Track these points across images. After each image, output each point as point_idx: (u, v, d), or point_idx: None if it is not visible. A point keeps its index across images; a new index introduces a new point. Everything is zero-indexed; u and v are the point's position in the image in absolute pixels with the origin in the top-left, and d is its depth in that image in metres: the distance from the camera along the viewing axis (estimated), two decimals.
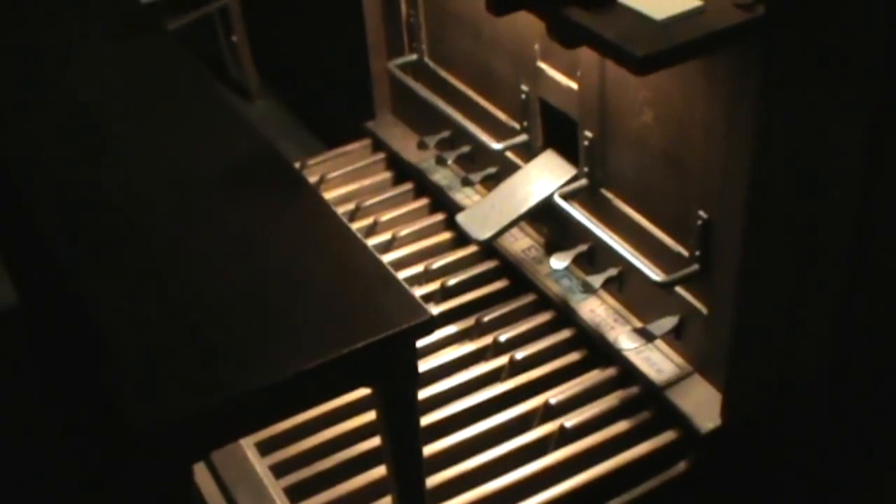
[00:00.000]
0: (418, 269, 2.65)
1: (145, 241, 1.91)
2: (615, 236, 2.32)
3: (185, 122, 2.24)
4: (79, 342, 1.83)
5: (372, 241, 2.73)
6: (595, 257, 2.42)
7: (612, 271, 2.36)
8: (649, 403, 2.27)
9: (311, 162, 3.00)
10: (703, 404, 2.20)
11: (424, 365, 2.37)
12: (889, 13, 1.81)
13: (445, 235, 2.76)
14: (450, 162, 2.78)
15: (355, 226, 2.79)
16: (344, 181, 2.96)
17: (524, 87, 2.48)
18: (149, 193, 2.02)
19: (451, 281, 2.59)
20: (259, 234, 1.90)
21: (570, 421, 2.23)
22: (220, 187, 2.03)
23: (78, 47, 2.53)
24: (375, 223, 2.80)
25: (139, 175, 2.07)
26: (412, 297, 1.74)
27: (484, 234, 2.43)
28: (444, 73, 2.82)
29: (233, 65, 4.11)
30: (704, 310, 2.17)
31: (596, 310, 2.42)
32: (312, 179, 2.93)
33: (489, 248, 2.63)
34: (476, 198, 2.74)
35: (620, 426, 2.24)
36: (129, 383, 1.64)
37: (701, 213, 2.07)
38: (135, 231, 1.93)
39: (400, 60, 2.92)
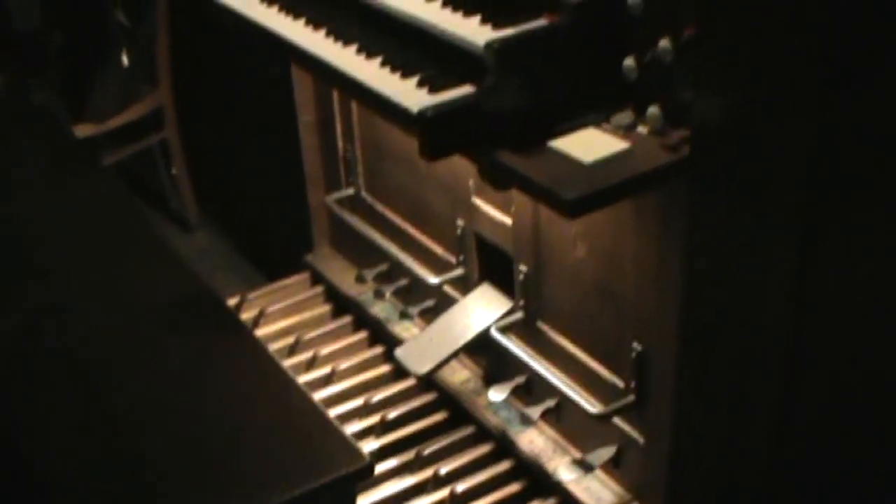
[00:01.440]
0: (358, 402, 2.65)
1: (80, 388, 1.90)
2: (552, 368, 2.34)
3: (119, 263, 2.25)
4: (18, 490, 1.81)
5: (311, 376, 2.74)
6: (532, 389, 2.43)
7: (550, 402, 2.38)
8: None
9: (250, 296, 3.01)
10: None
11: (366, 499, 2.36)
12: (809, 148, 1.87)
13: (384, 368, 2.77)
14: (388, 295, 2.80)
15: (294, 360, 2.80)
16: (283, 315, 2.97)
17: (460, 222, 2.52)
18: (82, 337, 2.02)
19: (391, 414, 2.59)
20: (195, 380, 1.90)
21: None
22: (156, 330, 2.03)
23: (12, 184, 2.54)
24: (315, 357, 2.80)
25: (73, 318, 2.07)
26: (350, 442, 1.75)
27: (423, 368, 2.45)
28: (380, 208, 2.86)
29: (173, 197, 4.13)
30: (641, 439, 2.19)
31: (535, 440, 2.43)
32: (252, 314, 2.94)
33: (428, 381, 2.64)
34: (415, 330, 2.76)
35: None
36: None
37: (635, 344, 2.10)
38: (70, 377, 1.92)
39: (337, 195, 2.96)
